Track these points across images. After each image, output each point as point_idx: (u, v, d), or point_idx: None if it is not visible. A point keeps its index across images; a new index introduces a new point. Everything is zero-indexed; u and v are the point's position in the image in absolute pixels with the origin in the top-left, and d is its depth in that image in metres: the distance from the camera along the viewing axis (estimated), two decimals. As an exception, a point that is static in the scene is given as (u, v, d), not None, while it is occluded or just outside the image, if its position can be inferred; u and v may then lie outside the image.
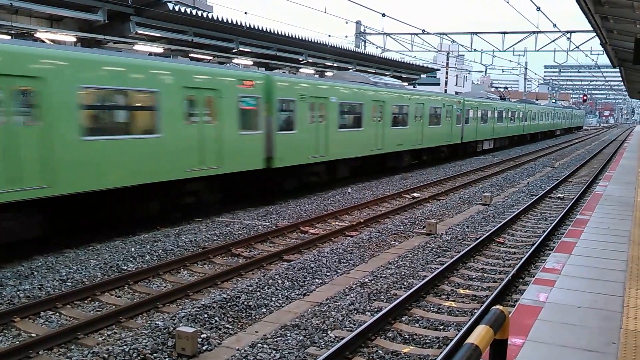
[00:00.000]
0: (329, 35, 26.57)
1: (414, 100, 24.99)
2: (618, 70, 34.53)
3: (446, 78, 52.59)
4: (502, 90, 57.78)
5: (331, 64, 26.83)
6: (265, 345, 6.90)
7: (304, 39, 22.98)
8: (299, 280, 9.45)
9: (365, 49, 36.31)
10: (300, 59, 24.39)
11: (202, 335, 7.09)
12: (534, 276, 7.62)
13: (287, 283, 9.29)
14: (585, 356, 4.88)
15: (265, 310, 8.23)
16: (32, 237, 10.81)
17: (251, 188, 16.49)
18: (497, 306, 3.43)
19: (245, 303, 8.32)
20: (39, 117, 10.33)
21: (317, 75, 27.40)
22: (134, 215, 13.03)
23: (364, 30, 38.23)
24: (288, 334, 7.22)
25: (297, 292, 8.94)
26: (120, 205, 12.65)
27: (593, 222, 10.82)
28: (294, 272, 9.78)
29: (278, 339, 7.10)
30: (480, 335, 3.02)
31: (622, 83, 51.52)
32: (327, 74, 29.29)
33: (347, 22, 36.53)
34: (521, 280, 9.59)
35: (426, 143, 26.66)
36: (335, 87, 19.13)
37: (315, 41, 23.92)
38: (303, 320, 7.67)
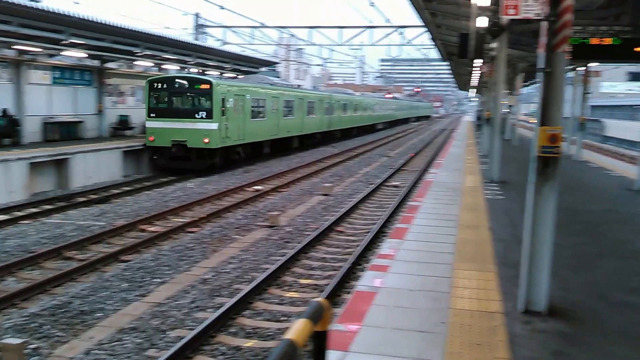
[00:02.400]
0: (167, 28, 25.87)
1: (362, 100, 49.67)
2: (448, 63, 37.17)
3: (287, 72, 53.31)
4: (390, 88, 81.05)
5: (170, 57, 26.02)
6: (100, 351, 6.55)
7: (140, 30, 22.09)
8: (137, 281, 9.07)
9: (206, 42, 35.70)
10: (137, 51, 23.38)
11: (31, 346, 6.60)
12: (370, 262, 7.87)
13: (125, 284, 8.88)
14: (417, 337, 5.05)
15: (101, 314, 7.79)
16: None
17: (323, 137, 37.63)
18: (318, 299, 3.48)
19: (79, 308, 7.84)
20: (241, 111, 23.63)
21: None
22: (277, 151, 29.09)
23: (204, 22, 37.60)
24: (125, 338, 6.90)
25: (136, 294, 8.56)
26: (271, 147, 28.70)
27: (424, 207, 11.26)
28: (132, 272, 9.38)
29: (115, 343, 6.76)
30: (297, 329, 3.03)
31: (451, 75, 55.56)
32: (163, 66, 28.43)
33: (185, 14, 35.72)
34: (359, 267, 9.93)
35: (357, 123, 48.07)
36: (333, 95, 41.11)
37: (152, 33, 23.09)
38: (142, 322, 7.37)
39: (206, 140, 21.23)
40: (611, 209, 11.86)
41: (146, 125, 22.20)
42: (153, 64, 27.34)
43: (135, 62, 25.85)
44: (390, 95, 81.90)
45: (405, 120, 79.84)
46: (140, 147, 22.37)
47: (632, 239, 9.18)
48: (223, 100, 21.82)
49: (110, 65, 25.53)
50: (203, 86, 21.59)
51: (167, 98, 22.04)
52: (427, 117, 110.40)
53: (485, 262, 7.42)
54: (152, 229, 12.88)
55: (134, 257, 10.60)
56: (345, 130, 44.15)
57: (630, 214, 11.42)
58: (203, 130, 21.28)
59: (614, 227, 10.09)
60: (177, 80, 22.25)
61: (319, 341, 3.44)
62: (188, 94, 22.02)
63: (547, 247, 5.61)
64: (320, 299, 3.45)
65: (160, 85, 22.03)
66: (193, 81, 22.09)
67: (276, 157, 28.06)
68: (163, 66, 28.53)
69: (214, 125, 21.40)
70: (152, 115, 21.94)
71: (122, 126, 26.07)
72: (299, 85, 41.83)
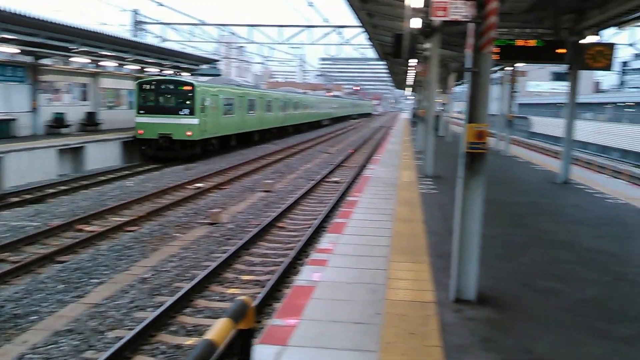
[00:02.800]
0: (104, 24, 25.39)
1: (310, 98, 56.98)
2: (385, 62, 37.73)
3: (228, 69, 52.83)
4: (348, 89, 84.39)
5: (107, 54, 25.43)
6: (35, 355, 6.44)
7: (75, 26, 21.51)
8: (74, 282, 8.91)
9: (145, 39, 35.03)
10: (72, 47, 22.74)
11: (-40, 353, 6.42)
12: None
13: (61, 286, 8.72)
14: (354, 328, 5.17)
15: (35, 317, 7.63)
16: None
17: (278, 131, 41.51)
18: (241, 297, 3.55)
19: (11, 312, 7.66)
20: (216, 109, 27.22)
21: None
22: (245, 143, 33.35)
23: (142, 19, 36.89)
24: (62, 340, 6.80)
25: (72, 295, 8.42)
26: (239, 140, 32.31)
27: (362, 202, 11.42)
28: (68, 273, 9.22)
29: (50, 346, 6.65)
30: (218, 329, 3.07)
31: (388, 74, 56.47)
32: (101, 63, 27.79)
33: (123, 10, 34.94)
34: (300, 261, 10.04)
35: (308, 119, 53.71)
36: (287, 94, 46.39)
37: (89, 29, 22.53)
38: (79, 323, 7.27)
39: (189, 133, 24.94)
40: (536, 201, 12.41)
41: (136, 121, 25.28)
42: (90, 61, 26.67)
43: (71, 59, 25.20)
44: (331, 94, 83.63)
45: (347, 117, 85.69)
46: (76, 146, 21.84)
47: (555, 229, 9.64)
48: (202, 99, 25.72)
49: (44, 61, 24.76)
50: (186, 87, 25.42)
51: (154, 97, 25.49)
52: (368, 115, 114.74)
53: (419, 254, 7.64)
54: (90, 228, 12.64)
55: (70, 257, 10.38)
56: (296, 125, 48.11)
57: (553, 206, 11.98)
58: (186, 124, 24.97)
59: (539, 218, 10.56)
60: (163, 82, 25.84)
61: (244, 339, 3.50)
62: (173, 93, 25.54)
63: (476, 239, 5.86)
64: (243, 297, 3.52)
65: (148, 86, 25.56)
66: (178, 83, 25.83)
67: (219, 155, 27.89)
68: (100, 63, 27.89)
69: (195, 121, 25.12)
70: (141, 111, 25.28)
71: (58, 124, 25.36)
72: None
